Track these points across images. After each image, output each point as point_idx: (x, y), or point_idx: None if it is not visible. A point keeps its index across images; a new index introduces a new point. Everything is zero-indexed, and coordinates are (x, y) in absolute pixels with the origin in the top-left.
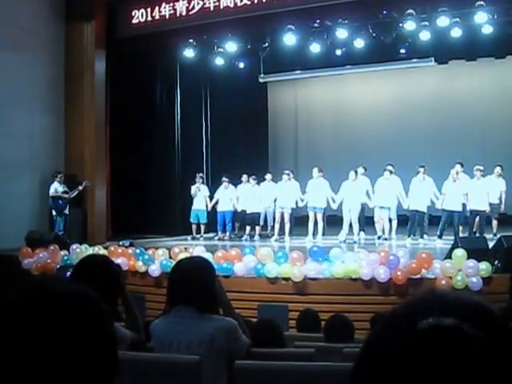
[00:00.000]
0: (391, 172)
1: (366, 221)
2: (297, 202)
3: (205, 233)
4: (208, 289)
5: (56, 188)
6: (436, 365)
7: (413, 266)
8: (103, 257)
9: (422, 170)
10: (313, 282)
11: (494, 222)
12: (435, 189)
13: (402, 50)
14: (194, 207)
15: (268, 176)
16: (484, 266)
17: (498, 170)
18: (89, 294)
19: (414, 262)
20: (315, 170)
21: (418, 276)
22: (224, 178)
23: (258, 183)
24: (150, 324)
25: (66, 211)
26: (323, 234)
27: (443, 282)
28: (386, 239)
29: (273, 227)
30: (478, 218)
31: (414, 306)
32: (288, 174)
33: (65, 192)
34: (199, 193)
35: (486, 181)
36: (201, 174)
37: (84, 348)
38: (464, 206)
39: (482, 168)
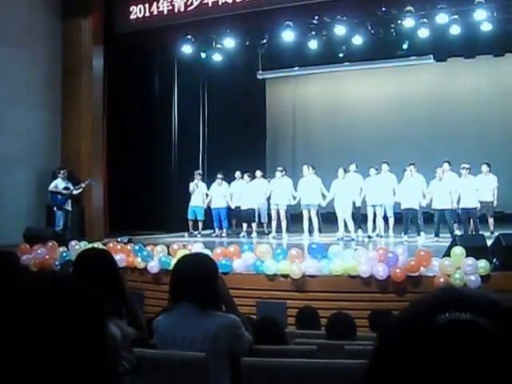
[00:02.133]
0: (389, 170)
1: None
2: (290, 199)
3: (202, 229)
4: (210, 286)
5: (57, 184)
6: (455, 359)
7: (411, 264)
8: (102, 250)
9: (408, 168)
10: (311, 279)
11: (490, 220)
12: (425, 186)
13: (401, 48)
14: (191, 204)
15: (258, 173)
16: (483, 264)
17: (484, 168)
18: (76, 290)
19: (412, 260)
20: (305, 168)
21: (417, 274)
22: (218, 175)
23: (252, 180)
24: (153, 321)
25: (68, 207)
26: (320, 231)
27: (442, 279)
28: (381, 236)
29: (269, 224)
30: (471, 220)
31: (431, 302)
32: (281, 171)
33: (66, 188)
34: (197, 189)
35: (474, 178)
36: (199, 171)
37: (68, 348)
38: (452, 202)
39: (467, 166)
